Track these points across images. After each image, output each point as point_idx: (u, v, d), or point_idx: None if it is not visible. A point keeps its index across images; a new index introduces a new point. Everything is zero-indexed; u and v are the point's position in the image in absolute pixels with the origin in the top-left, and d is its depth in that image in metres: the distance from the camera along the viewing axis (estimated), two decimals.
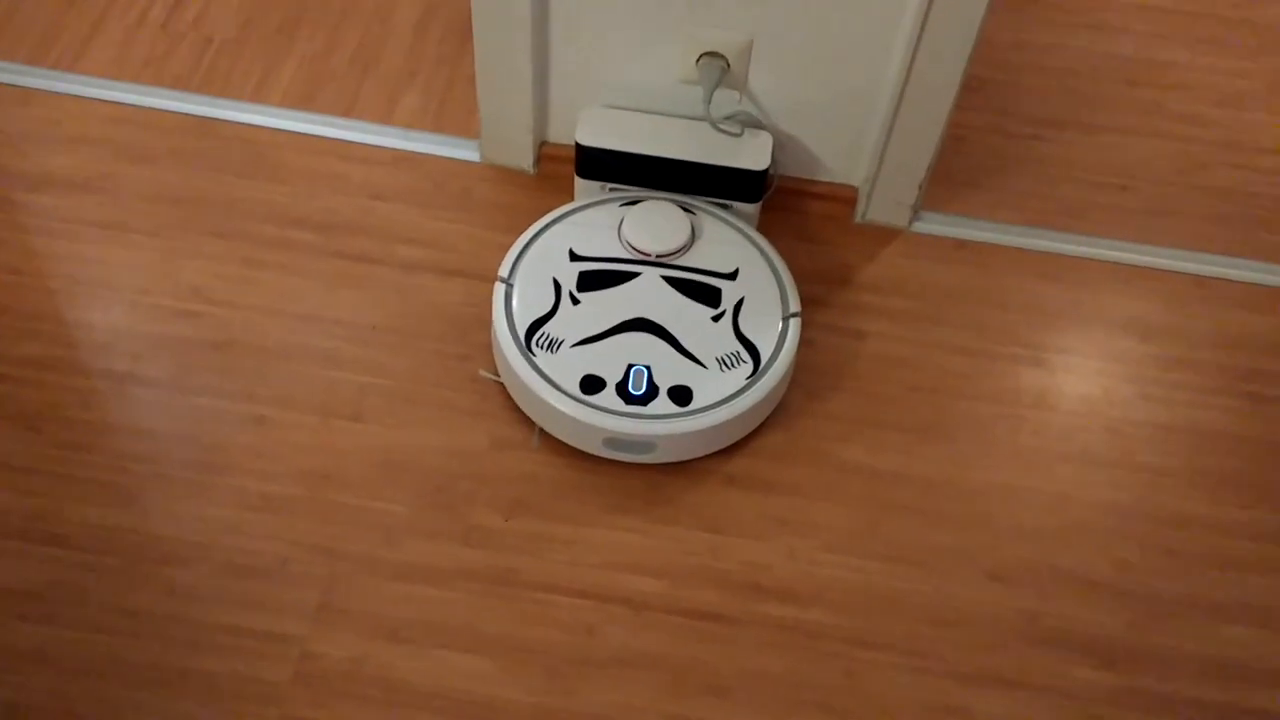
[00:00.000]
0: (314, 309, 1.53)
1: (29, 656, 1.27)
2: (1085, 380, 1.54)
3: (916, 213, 1.65)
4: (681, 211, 1.51)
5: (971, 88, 1.75)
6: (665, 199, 1.53)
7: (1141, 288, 1.62)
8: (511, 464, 1.42)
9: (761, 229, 1.57)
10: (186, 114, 1.70)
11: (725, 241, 1.51)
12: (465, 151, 1.69)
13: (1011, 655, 1.33)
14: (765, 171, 1.53)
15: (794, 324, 1.45)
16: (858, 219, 1.66)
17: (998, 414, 1.50)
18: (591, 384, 1.39)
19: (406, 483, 1.40)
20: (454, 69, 1.78)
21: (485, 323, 1.49)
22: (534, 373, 1.40)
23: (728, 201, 1.56)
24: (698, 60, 1.50)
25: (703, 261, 1.49)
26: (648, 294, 1.46)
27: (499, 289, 1.46)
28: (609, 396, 1.38)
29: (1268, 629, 1.36)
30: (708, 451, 1.43)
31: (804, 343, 1.49)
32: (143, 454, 1.41)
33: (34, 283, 1.54)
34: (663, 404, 1.38)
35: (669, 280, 1.47)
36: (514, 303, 1.45)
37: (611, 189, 1.57)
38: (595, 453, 1.41)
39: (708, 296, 1.46)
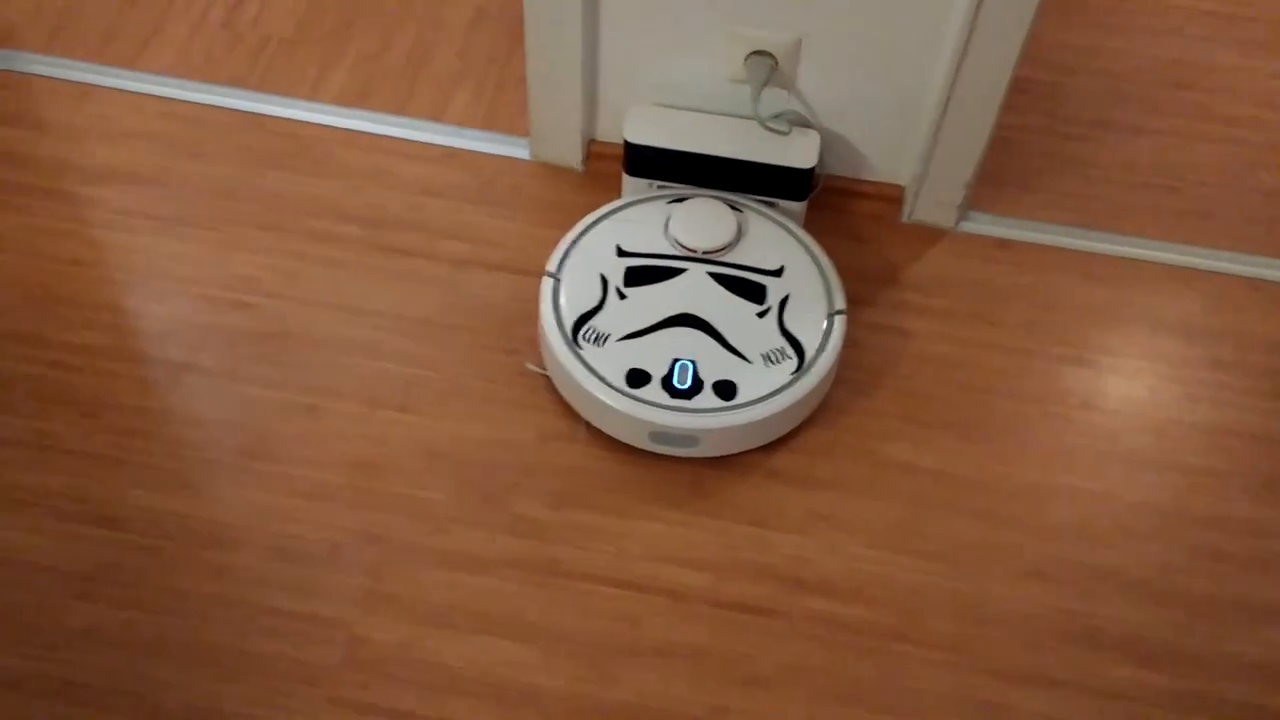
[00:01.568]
0: (363, 302, 1.56)
1: (83, 635, 1.30)
2: (1131, 381, 1.54)
3: (963, 213, 1.65)
4: (728, 209, 1.52)
5: (1019, 89, 1.74)
6: (712, 196, 1.55)
7: (1189, 289, 1.62)
8: (557, 456, 1.44)
9: (808, 227, 1.57)
10: (242, 111, 1.74)
11: (771, 239, 1.53)
12: (515, 149, 1.71)
13: (1053, 654, 1.32)
14: (812, 170, 1.54)
15: (839, 321, 1.46)
16: (904, 219, 1.66)
17: (1043, 413, 1.50)
18: (637, 378, 1.40)
19: (453, 473, 1.42)
20: (504, 68, 1.80)
21: (532, 317, 1.51)
22: (580, 366, 1.41)
23: (774, 200, 1.57)
24: (746, 59, 1.52)
25: (749, 258, 1.50)
26: (694, 290, 1.47)
27: (546, 283, 1.48)
28: (654, 390, 1.40)
29: None
30: (752, 446, 1.44)
31: (849, 341, 1.49)
32: (196, 441, 1.44)
33: (94, 273, 1.57)
34: (707, 398, 1.39)
35: (715, 277, 1.48)
36: (561, 297, 1.46)
37: (659, 187, 1.59)
38: (641, 446, 1.43)
39: (753, 293, 1.47)
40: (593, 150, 1.69)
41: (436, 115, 1.74)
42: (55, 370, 1.48)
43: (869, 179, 1.66)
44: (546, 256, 1.50)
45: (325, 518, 1.38)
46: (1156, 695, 1.30)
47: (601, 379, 1.40)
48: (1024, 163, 1.73)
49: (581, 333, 1.43)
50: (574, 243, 1.51)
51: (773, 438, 1.45)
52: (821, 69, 1.52)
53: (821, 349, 1.44)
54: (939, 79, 1.50)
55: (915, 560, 1.38)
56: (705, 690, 1.29)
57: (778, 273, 1.49)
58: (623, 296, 1.46)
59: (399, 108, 1.74)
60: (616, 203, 1.56)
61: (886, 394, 1.51)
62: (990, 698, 1.29)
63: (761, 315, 1.46)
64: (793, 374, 1.42)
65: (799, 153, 1.54)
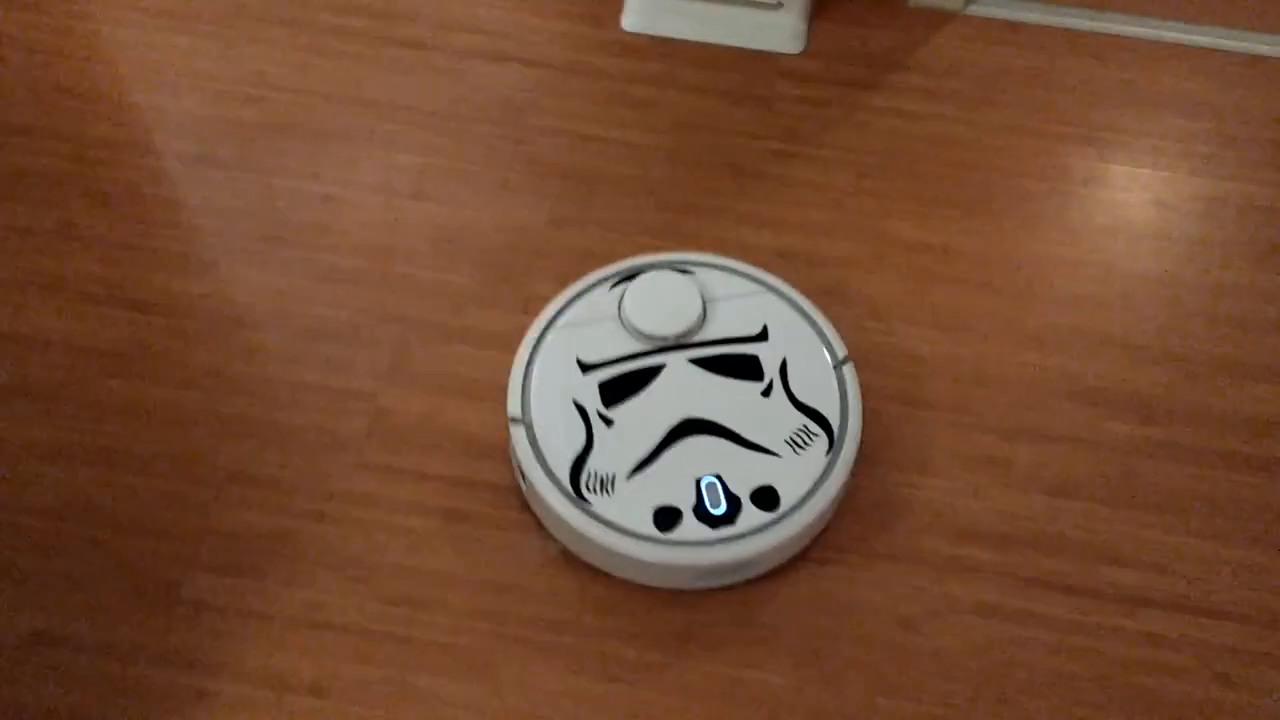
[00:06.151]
0: (372, 93, 1.57)
1: (119, 410, 1.34)
2: (1135, 157, 1.56)
3: None
4: (681, 277, 1.30)
5: None
6: (657, 269, 1.32)
7: (1195, 67, 1.62)
8: (568, 240, 1.46)
9: (814, 16, 1.56)
10: None
11: (740, 296, 1.31)
12: None
13: (1052, 412, 1.37)
14: None
15: (848, 371, 1.27)
16: (911, 3, 1.66)
17: (1048, 190, 1.52)
18: (666, 517, 1.18)
19: (467, 256, 1.46)
20: None
21: (539, 108, 1.51)
22: (595, 523, 1.18)
23: None
24: None
25: (725, 329, 1.28)
26: (682, 387, 1.24)
27: (517, 432, 1.23)
28: (690, 526, 1.17)
29: None
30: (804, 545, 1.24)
31: (855, 124, 1.49)
32: (214, 229, 1.47)
33: (104, 70, 1.58)
34: (750, 515, 1.18)
35: (698, 362, 1.26)
36: (541, 445, 1.22)
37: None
38: (685, 588, 1.23)
39: (747, 369, 1.26)
40: None
41: None
42: (70, 163, 1.50)
43: None
44: (549, 46, 1.50)
45: (347, 299, 1.42)
46: (1151, 446, 1.35)
47: (624, 531, 1.17)
48: None
49: (583, 481, 1.20)
50: (527, 371, 1.27)
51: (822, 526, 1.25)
52: None
53: (845, 411, 1.24)
54: None
55: (919, 329, 1.42)
56: None
57: (763, 336, 1.28)
58: (609, 423, 1.22)
59: None
60: (553, 307, 1.31)
61: (893, 175, 1.53)
62: (993, 452, 1.34)
63: (766, 393, 1.25)
64: (827, 454, 1.22)
65: None
